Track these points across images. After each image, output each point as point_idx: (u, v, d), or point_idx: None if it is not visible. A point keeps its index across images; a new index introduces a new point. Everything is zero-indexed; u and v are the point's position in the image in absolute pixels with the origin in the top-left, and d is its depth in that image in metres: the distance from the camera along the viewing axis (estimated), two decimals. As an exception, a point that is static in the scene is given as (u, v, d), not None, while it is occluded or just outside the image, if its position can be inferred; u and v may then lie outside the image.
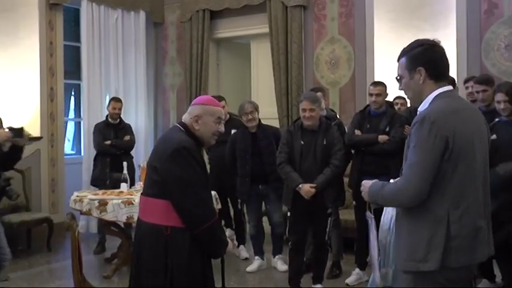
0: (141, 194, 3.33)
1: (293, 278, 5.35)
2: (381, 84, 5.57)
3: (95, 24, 8.48)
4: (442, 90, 2.70)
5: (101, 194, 6.23)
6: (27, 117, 7.70)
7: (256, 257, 6.39)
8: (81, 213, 6.27)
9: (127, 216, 5.82)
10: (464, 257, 2.61)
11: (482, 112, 5.02)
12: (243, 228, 6.92)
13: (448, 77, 2.81)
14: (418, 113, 2.74)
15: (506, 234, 4.66)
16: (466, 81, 5.96)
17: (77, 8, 8.49)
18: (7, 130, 4.40)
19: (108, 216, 5.91)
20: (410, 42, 2.83)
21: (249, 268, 6.32)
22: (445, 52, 2.78)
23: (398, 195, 2.66)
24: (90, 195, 6.16)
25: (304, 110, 5.25)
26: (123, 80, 8.91)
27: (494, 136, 4.78)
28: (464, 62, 6.87)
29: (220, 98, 6.22)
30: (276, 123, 7.66)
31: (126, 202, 5.86)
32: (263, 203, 6.48)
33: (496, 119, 4.95)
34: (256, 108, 6.19)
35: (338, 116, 6.42)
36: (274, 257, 6.34)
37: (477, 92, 5.25)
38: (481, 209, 2.70)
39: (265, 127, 6.32)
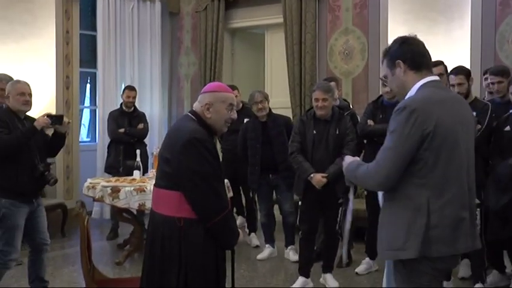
0: (154, 185, 3.20)
1: (303, 266, 5.23)
2: (440, 63, 5.34)
3: (111, 13, 8.38)
4: (427, 80, 2.67)
5: (113, 181, 6.16)
6: (43, 104, 7.61)
7: (267, 245, 6.29)
8: (94, 200, 6.21)
9: (139, 204, 5.74)
10: (445, 247, 2.54)
11: (496, 103, 4.95)
12: (255, 216, 6.83)
13: (430, 67, 2.75)
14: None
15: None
16: (485, 73, 5.71)
17: (93, -3, 8.39)
18: (46, 117, 4.45)
19: (121, 203, 5.84)
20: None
21: (260, 256, 6.23)
22: (421, 43, 2.77)
23: (368, 178, 2.67)
24: (102, 182, 6.09)
25: (317, 100, 5.12)
26: (138, 69, 8.82)
27: (508, 128, 4.65)
28: (478, 53, 6.70)
29: (233, 87, 6.09)
30: (289, 113, 7.55)
31: (138, 189, 5.78)
32: (274, 192, 6.36)
33: (511, 111, 4.79)
34: (266, 97, 6.08)
35: (351, 106, 6.29)
36: (286, 247, 6.23)
37: (492, 83, 5.09)
38: (465, 200, 2.64)
39: (276, 116, 6.20)
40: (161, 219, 3.05)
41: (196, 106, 3.16)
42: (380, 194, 2.79)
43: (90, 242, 3.68)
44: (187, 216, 2.95)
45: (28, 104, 4.62)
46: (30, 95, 4.66)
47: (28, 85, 4.74)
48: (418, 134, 2.50)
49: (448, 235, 2.54)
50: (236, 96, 5.58)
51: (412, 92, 2.66)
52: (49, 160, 4.99)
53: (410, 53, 2.69)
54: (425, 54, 2.74)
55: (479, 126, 4.63)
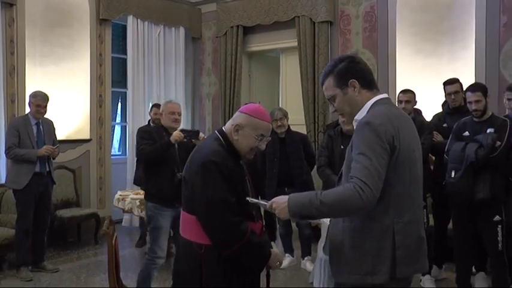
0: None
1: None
2: (410, 91, 4.86)
3: (139, 38, 7.97)
4: (380, 97, 2.23)
5: (141, 194, 5.62)
6: (78, 121, 7.25)
7: (287, 254, 5.72)
8: (124, 211, 5.68)
9: (165, 215, 5.22)
10: (408, 267, 2.11)
11: (510, 119, 4.37)
12: (274, 227, 6.25)
13: (376, 84, 2.30)
14: (354, 122, 2.24)
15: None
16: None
17: (123, 24, 7.99)
18: (179, 132, 4.35)
19: (148, 215, 5.31)
20: (327, 65, 2.36)
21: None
22: (365, 62, 2.34)
23: (351, 200, 1.95)
24: (132, 195, 5.59)
25: (343, 116, 4.64)
26: (164, 89, 8.40)
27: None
28: (483, 72, 6.14)
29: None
30: (303, 129, 7.02)
31: (164, 202, 5.25)
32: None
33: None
34: (285, 115, 5.57)
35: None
36: (303, 258, 5.65)
37: (509, 99, 4.49)
38: (422, 219, 2.26)
39: (294, 133, 5.69)
40: (184, 243, 2.50)
41: (228, 124, 2.57)
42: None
43: (118, 263, 3.14)
44: (208, 243, 2.38)
45: (177, 121, 4.58)
46: (179, 113, 4.62)
47: (178, 105, 4.71)
48: (388, 149, 2.03)
49: (411, 255, 2.11)
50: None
51: (364, 110, 2.20)
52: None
53: (361, 72, 2.24)
54: (371, 72, 2.31)
55: (498, 143, 4.07)
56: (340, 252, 2.17)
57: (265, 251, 2.49)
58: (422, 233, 2.19)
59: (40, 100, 5.36)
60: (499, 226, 4.18)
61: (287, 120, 5.59)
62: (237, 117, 2.54)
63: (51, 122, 5.65)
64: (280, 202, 2.18)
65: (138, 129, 4.85)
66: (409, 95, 4.79)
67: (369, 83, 2.24)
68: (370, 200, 1.95)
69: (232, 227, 2.35)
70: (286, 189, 5.54)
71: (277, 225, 6.07)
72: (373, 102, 2.20)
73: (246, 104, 3.04)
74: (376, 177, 1.96)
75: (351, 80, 2.20)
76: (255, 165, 5.83)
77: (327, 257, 2.47)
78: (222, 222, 2.34)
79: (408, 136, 2.15)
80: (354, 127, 2.25)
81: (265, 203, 2.31)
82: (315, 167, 5.38)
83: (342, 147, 4.69)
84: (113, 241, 3.14)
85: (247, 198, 2.47)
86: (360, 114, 2.20)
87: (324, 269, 2.59)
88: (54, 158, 5.55)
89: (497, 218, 4.17)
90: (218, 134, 2.57)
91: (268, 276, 2.70)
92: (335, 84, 2.24)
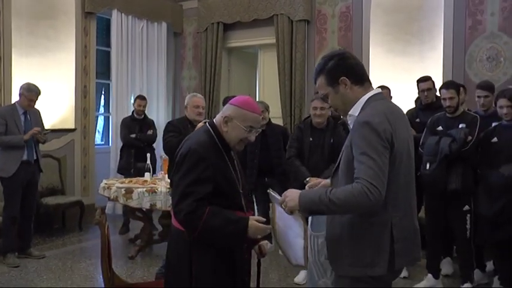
0: None
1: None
2: (385, 88, 4.86)
3: (123, 32, 7.77)
4: (373, 93, 2.14)
5: (127, 183, 5.50)
6: (63, 110, 7.04)
7: (266, 241, 5.64)
8: (109, 199, 5.53)
9: (150, 204, 5.13)
10: (405, 259, 2.08)
11: (480, 116, 4.38)
12: (253, 214, 6.19)
13: (368, 78, 2.18)
14: (349, 116, 2.15)
15: (508, 232, 3.96)
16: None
17: (108, 17, 7.77)
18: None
19: (133, 203, 5.19)
20: (318, 63, 2.22)
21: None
22: (355, 56, 2.23)
23: (360, 201, 1.90)
24: (117, 184, 5.43)
25: (315, 108, 4.65)
26: (146, 81, 8.21)
27: (495, 139, 4.12)
28: (450, 71, 6.21)
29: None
30: (279, 122, 6.96)
31: (149, 190, 5.15)
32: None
33: (495, 123, 4.25)
34: (266, 108, 5.50)
35: (341, 117, 5.73)
36: None
37: (479, 96, 4.51)
38: (416, 211, 2.20)
39: (274, 126, 5.65)
40: (174, 231, 2.41)
41: (218, 116, 2.46)
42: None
43: (110, 253, 3.03)
44: None
45: (201, 114, 4.61)
46: (203, 107, 4.66)
47: (202, 99, 4.74)
48: (388, 147, 1.97)
49: (407, 247, 2.08)
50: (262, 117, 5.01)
51: (358, 107, 2.11)
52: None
53: (352, 68, 2.13)
54: (362, 66, 2.20)
55: (470, 138, 4.09)
56: (339, 245, 2.11)
57: (237, 227, 2.29)
58: (417, 224, 2.16)
59: (34, 95, 5.20)
60: (468, 215, 4.23)
61: (268, 113, 5.53)
62: (227, 109, 2.44)
63: (38, 111, 5.46)
64: (292, 194, 2.12)
65: (167, 124, 4.93)
66: (385, 91, 4.71)
67: (361, 78, 2.14)
68: (378, 199, 1.91)
69: (188, 214, 2.22)
70: (266, 178, 5.51)
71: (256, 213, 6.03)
72: (367, 98, 2.12)
73: (233, 96, 2.95)
74: (381, 176, 1.92)
75: (342, 78, 2.11)
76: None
77: (315, 233, 2.47)
78: (180, 210, 2.24)
79: (403, 131, 2.09)
80: (348, 121, 2.19)
81: (279, 197, 2.23)
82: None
83: (311, 139, 4.67)
84: (105, 230, 3.03)
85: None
86: (354, 110, 2.13)
87: (313, 243, 2.52)
88: (43, 143, 5.37)
89: (466, 207, 4.22)
90: (208, 126, 2.47)
91: (259, 264, 2.63)
92: (326, 83, 2.16)
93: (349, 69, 2.12)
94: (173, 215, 2.35)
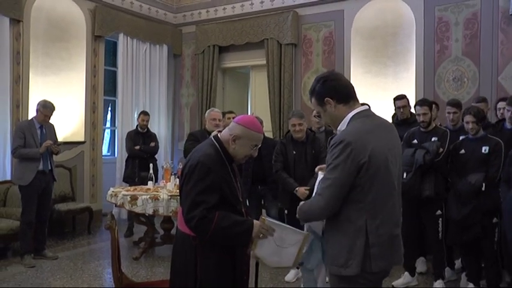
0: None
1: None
2: (426, 103, 4.78)
3: (128, 53, 7.79)
4: (357, 111, 2.15)
5: (132, 190, 5.49)
6: (74, 124, 7.04)
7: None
8: (116, 205, 5.51)
9: (153, 210, 5.10)
10: (383, 262, 2.09)
11: (450, 131, 4.46)
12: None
13: (355, 96, 2.18)
14: (338, 131, 2.18)
15: (475, 234, 4.03)
16: (498, 102, 4.91)
17: (115, 40, 7.81)
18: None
19: (138, 209, 5.17)
20: (311, 85, 2.27)
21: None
22: (342, 76, 2.24)
23: (313, 210, 2.16)
24: (123, 191, 5.42)
25: (294, 125, 4.68)
26: (149, 98, 8.22)
27: (463, 151, 4.20)
28: (421, 90, 6.34)
29: (230, 112, 5.58)
30: (269, 136, 6.96)
31: (153, 197, 5.13)
32: (262, 201, 5.76)
33: (462, 137, 4.34)
34: (261, 122, 5.46)
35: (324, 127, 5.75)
36: None
37: (448, 113, 4.59)
38: (397, 219, 2.18)
39: (267, 139, 5.61)
40: (180, 235, 2.41)
41: (225, 133, 2.45)
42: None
43: (120, 254, 3.03)
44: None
45: (218, 126, 4.77)
46: (220, 120, 4.94)
47: (219, 113, 5.00)
48: (354, 165, 2.01)
49: (385, 251, 2.09)
50: (234, 117, 5.08)
51: (344, 123, 2.15)
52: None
53: (334, 89, 2.15)
54: (347, 85, 2.19)
55: (441, 150, 4.17)
56: (326, 244, 2.19)
57: (243, 227, 2.30)
58: (396, 231, 2.15)
59: (49, 111, 5.23)
60: (440, 219, 4.29)
61: (262, 127, 5.55)
62: (235, 128, 2.43)
63: (53, 125, 5.45)
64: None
65: (188, 134, 5.19)
66: (425, 108, 4.35)
67: (345, 98, 2.15)
68: (323, 213, 2.12)
69: (200, 219, 2.22)
70: (259, 186, 5.50)
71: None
72: (351, 115, 2.14)
73: (240, 115, 2.97)
74: (334, 191, 2.05)
75: (326, 99, 2.15)
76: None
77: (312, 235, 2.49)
78: (192, 217, 2.24)
79: (382, 146, 2.09)
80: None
81: (277, 222, 2.37)
82: None
83: (295, 152, 4.68)
84: (116, 234, 3.03)
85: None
86: (342, 126, 2.17)
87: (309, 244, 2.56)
88: (57, 154, 5.35)
89: (438, 212, 4.28)
90: (214, 140, 2.47)
91: (257, 265, 2.64)
92: (316, 103, 2.22)
93: (331, 90, 2.15)
94: (184, 221, 2.34)
